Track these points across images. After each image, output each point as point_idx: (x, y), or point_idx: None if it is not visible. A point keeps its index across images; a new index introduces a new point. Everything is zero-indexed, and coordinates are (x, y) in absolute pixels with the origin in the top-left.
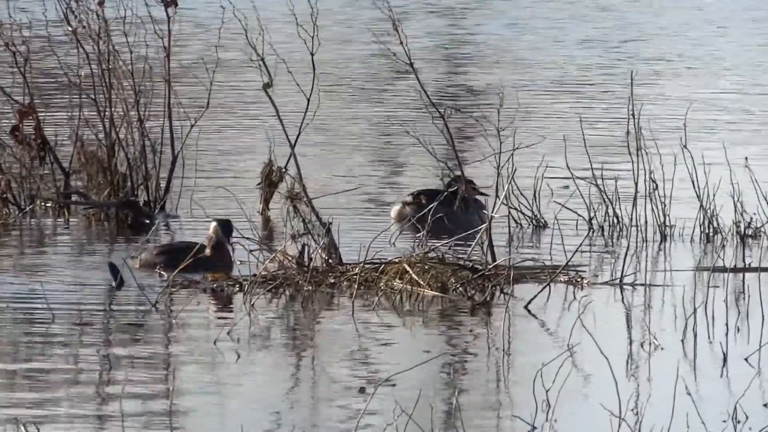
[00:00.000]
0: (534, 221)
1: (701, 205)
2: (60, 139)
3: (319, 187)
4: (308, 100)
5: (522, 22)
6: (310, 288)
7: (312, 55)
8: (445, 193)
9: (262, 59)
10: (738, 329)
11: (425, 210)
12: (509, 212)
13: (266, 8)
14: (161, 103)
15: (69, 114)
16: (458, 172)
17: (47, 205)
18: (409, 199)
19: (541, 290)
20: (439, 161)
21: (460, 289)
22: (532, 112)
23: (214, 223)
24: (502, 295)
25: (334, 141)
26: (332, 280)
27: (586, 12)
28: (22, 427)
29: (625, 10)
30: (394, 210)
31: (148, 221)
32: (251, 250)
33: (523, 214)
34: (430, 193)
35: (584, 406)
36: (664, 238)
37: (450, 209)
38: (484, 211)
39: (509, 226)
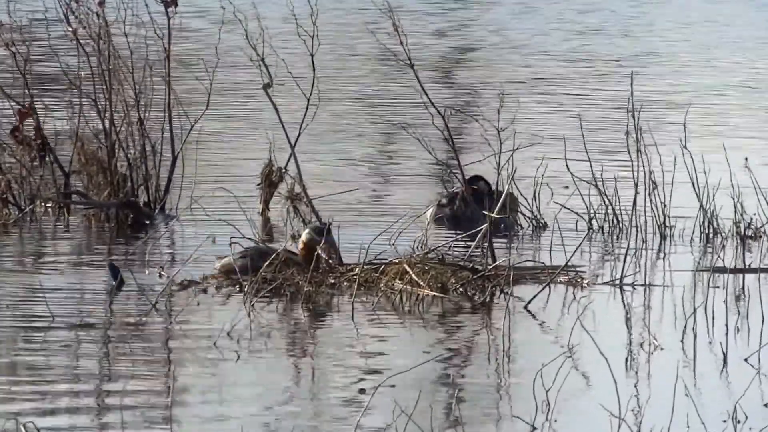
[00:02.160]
0: (534, 222)
1: (701, 206)
2: (60, 139)
3: (318, 187)
4: (308, 100)
5: (521, 21)
6: (311, 288)
7: (312, 55)
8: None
9: (262, 59)
10: (738, 330)
11: (429, 210)
12: (509, 213)
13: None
14: (161, 103)
15: (69, 114)
16: (478, 173)
17: (47, 205)
18: (444, 200)
19: (541, 291)
20: (439, 162)
21: (460, 289)
22: (532, 112)
23: (307, 230)
24: (502, 295)
25: (335, 141)
26: (332, 281)
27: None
28: (22, 428)
29: (627, 8)
30: (431, 211)
31: (148, 221)
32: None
33: (522, 214)
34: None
35: (584, 407)
36: (664, 238)
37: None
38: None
39: (509, 227)
